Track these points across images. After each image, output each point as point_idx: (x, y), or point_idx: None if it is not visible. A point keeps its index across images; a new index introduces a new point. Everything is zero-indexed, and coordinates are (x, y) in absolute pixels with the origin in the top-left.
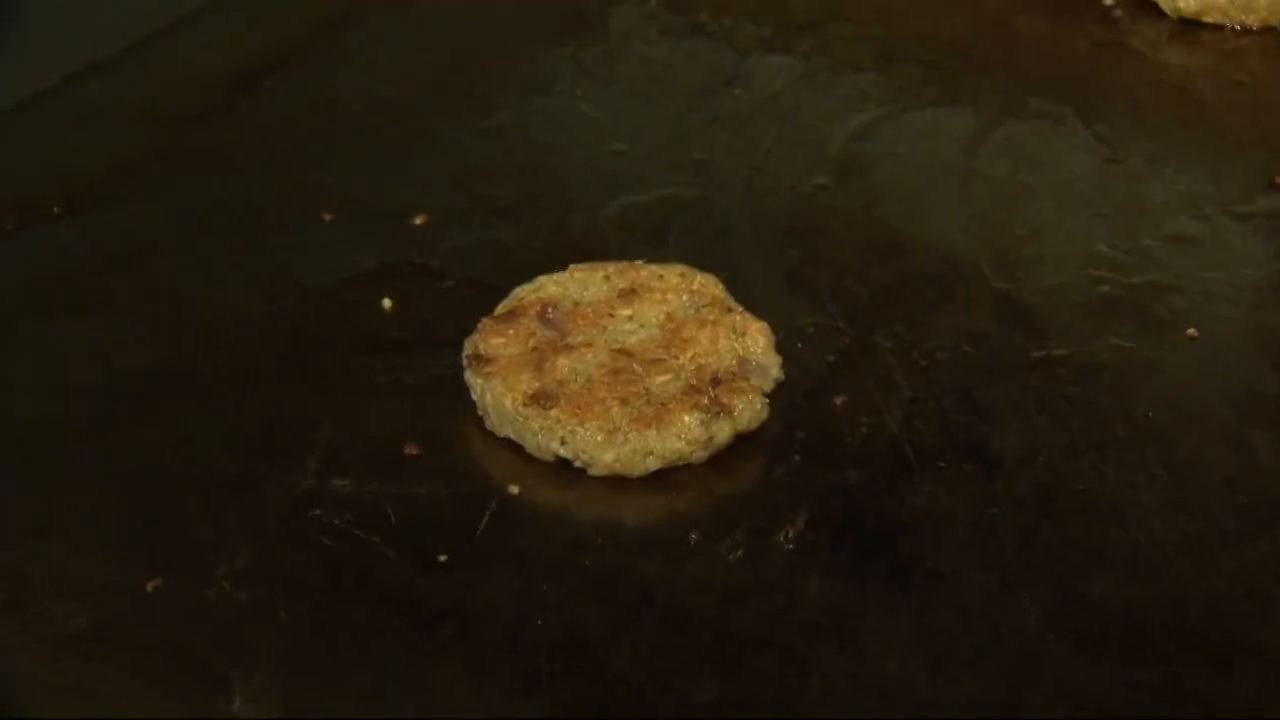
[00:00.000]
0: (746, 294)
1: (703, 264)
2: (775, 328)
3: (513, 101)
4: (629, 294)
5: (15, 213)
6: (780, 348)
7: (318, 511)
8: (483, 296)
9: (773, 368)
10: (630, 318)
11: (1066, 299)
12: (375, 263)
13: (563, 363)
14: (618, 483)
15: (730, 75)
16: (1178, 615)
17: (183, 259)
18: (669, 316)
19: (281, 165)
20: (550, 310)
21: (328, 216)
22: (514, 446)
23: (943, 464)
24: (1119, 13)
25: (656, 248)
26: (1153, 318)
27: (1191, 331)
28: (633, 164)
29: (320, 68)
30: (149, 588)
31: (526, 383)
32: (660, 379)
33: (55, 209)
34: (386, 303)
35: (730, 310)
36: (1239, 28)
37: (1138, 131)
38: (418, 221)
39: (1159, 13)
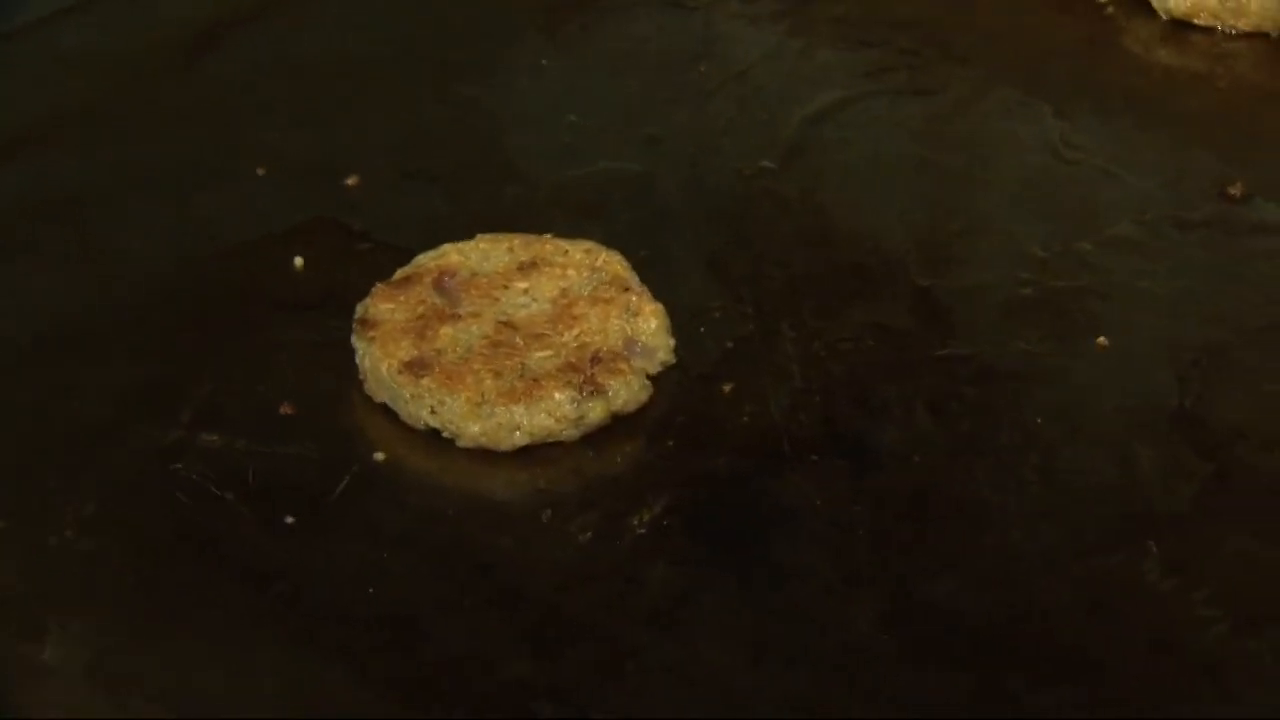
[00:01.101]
0: (663, 274)
1: (628, 241)
2: (682, 310)
3: (477, 69)
4: (529, 267)
5: None
6: (681, 331)
7: (179, 465)
8: (397, 261)
9: (660, 350)
10: (525, 291)
11: (985, 299)
12: (297, 220)
13: (445, 332)
14: (486, 456)
15: (701, 52)
16: (1014, 624)
17: (108, 209)
18: (564, 292)
19: (228, 120)
20: (446, 278)
21: (261, 171)
22: (391, 413)
23: (816, 457)
24: (1111, 10)
25: (586, 222)
26: (1067, 323)
27: (1102, 340)
28: (582, 138)
29: (290, 24)
30: None
31: (405, 350)
32: (539, 354)
33: None
34: (298, 261)
35: (627, 290)
36: (1230, 31)
37: (1105, 132)
38: (349, 182)
39: (1152, 12)
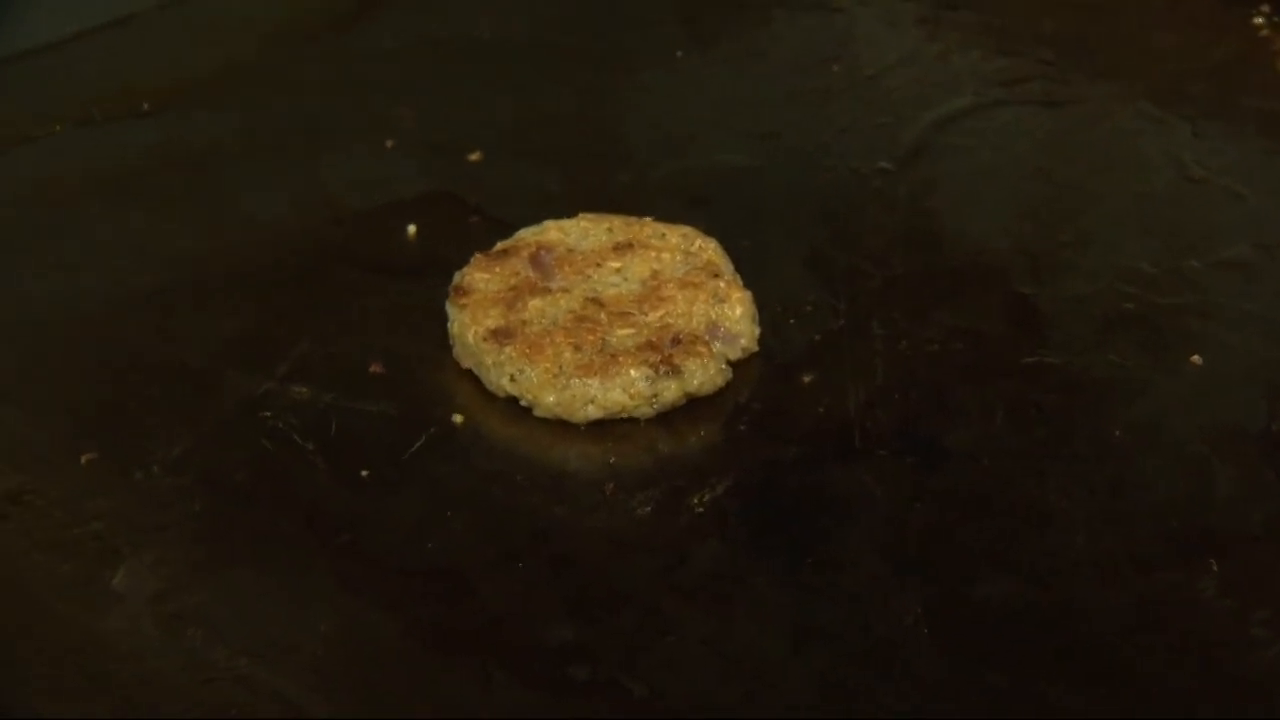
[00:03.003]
0: (761, 265)
1: (731, 231)
2: (775, 301)
3: (613, 57)
4: (625, 248)
5: (108, 105)
6: (771, 320)
7: (267, 413)
8: (503, 235)
9: (743, 337)
10: (617, 270)
11: (1083, 311)
12: (416, 192)
13: (534, 304)
14: (561, 427)
15: (836, 53)
16: (1062, 630)
17: (242, 166)
18: (654, 274)
19: (367, 92)
20: (543, 253)
21: (390, 143)
22: (475, 379)
23: (885, 452)
24: (1266, 32)
25: (692, 211)
26: (1164, 339)
27: (1196, 359)
28: (702, 130)
29: (440, 6)
30: (83, 461)
31: (493, 318)
32: (621, 332)
33: (145, 105)
34: (411, 230)
35: (718, 276)
36: None
37: (1237, 153)
38: (472, 158)
39: None
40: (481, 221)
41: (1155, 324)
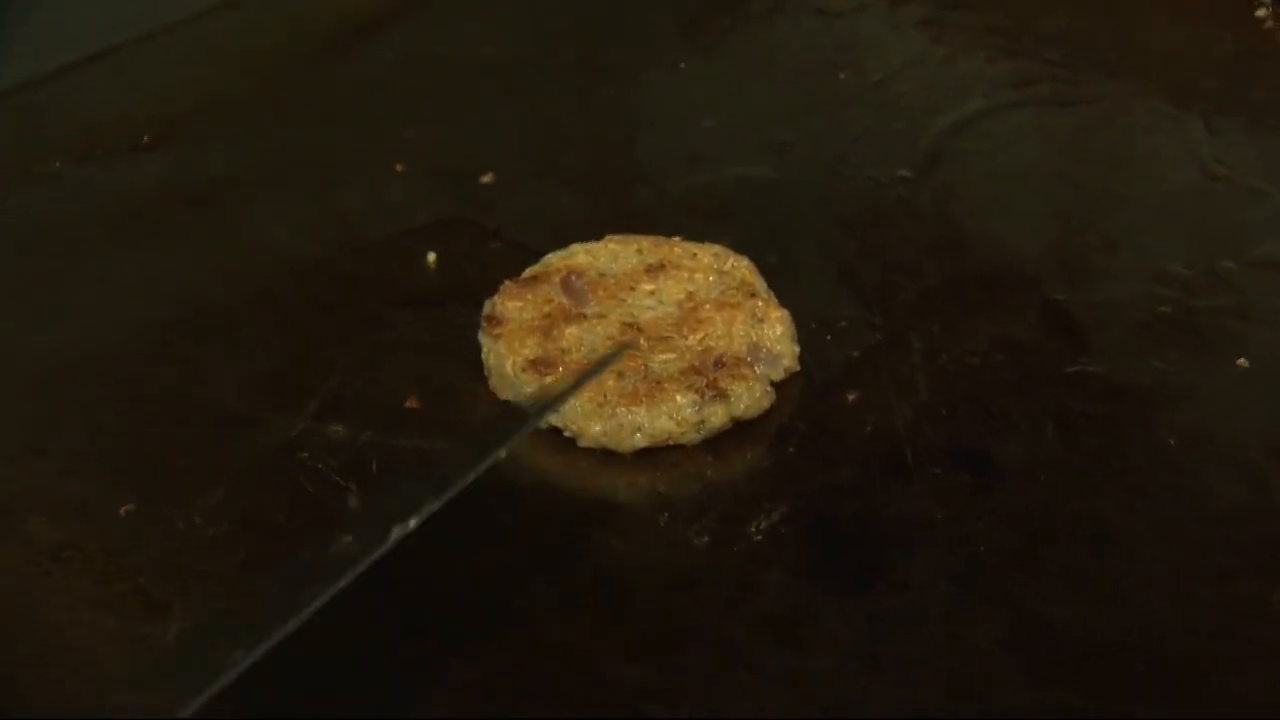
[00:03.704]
0: (791, 281)
1: (756, 247)
2: (810, 318)
3: (617, 71)
4: (657, 269)
5: (108, 139)
6: (808, 338)
7: (305, 454)
8: (527, 260)
9: (785, 357)
10: (652, 293)
11: (1121, 316)
12: (432, 217)
13: (571, 331)
14: (607, 456)
15: (842, 59)
16: (1142, 648)
17: (252, 198)
18: (690, 296)
19: (371, 115)
20: (574, 279)
21: (400, 168)
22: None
23: (938, 470)
24: (1270, 24)
25: (715, 227)
26: (1206, 343)
27: (1242, 361)
28: (714, 142)
29: (434, 24)
30: (122, 512)
31: (530, 348)
32: (663, 357)
33: (146, 138)
34: (431, 257)
35: (754, 295)
36: None
37: (1257, 148)
38: (485, 180)
39: None
40: (503, 246)
41: (1195, 327)
